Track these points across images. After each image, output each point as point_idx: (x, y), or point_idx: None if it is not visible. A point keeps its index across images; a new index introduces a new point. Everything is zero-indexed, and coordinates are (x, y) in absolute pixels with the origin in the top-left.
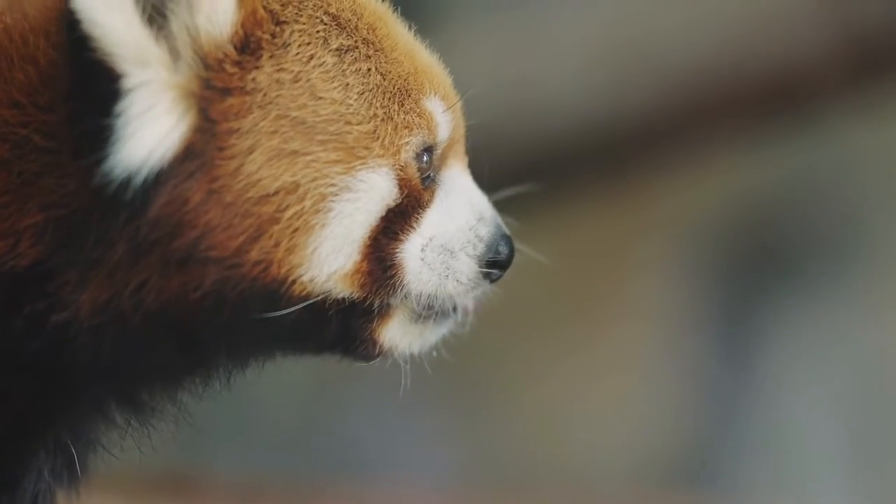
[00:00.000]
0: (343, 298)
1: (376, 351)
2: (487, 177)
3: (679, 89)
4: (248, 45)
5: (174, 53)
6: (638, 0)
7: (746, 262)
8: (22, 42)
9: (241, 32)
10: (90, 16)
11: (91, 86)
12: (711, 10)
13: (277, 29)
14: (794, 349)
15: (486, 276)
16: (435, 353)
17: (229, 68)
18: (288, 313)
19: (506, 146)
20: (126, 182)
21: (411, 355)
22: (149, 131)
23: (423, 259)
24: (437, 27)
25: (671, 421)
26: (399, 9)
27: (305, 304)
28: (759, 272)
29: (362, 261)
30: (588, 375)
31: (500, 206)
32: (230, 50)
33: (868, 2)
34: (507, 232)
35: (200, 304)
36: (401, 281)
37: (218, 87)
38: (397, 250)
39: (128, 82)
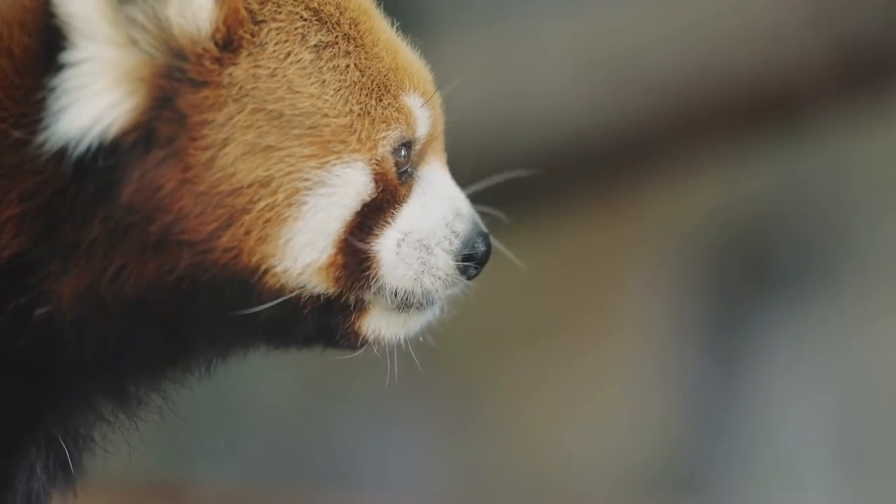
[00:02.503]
0: (318, 295)
1: (360, 342)
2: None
3: (668, 100)
4: (230, 44)
5: (133, 36)
6: (627, 11)
7: (735, 273)
8: None
9: (223, 30)
10: None
11: (50, 53)
12: (700, 21)
13: (256, 28)
14: (783, 359)
15: (463, 272)
16: (421, 339)
17: (209, 64)
18: (264, 309)
19: (493, 157)
20: (61, 154)
21: (397, 344)
22: (85, 106)
23: (398, 254)
24: (427, 38)
25: (661, 432)
26: (390, 19)
27: (281, 300)
28: (748, 283)
29: (337, 254)
30: (578, 387)
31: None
32: (211, 46)
33: (854, 13)
34: (484, 228)
35: (176, 288)
36: (375, 275)
37: (194, 79)
38: (372, 244)
39: (70, 56)
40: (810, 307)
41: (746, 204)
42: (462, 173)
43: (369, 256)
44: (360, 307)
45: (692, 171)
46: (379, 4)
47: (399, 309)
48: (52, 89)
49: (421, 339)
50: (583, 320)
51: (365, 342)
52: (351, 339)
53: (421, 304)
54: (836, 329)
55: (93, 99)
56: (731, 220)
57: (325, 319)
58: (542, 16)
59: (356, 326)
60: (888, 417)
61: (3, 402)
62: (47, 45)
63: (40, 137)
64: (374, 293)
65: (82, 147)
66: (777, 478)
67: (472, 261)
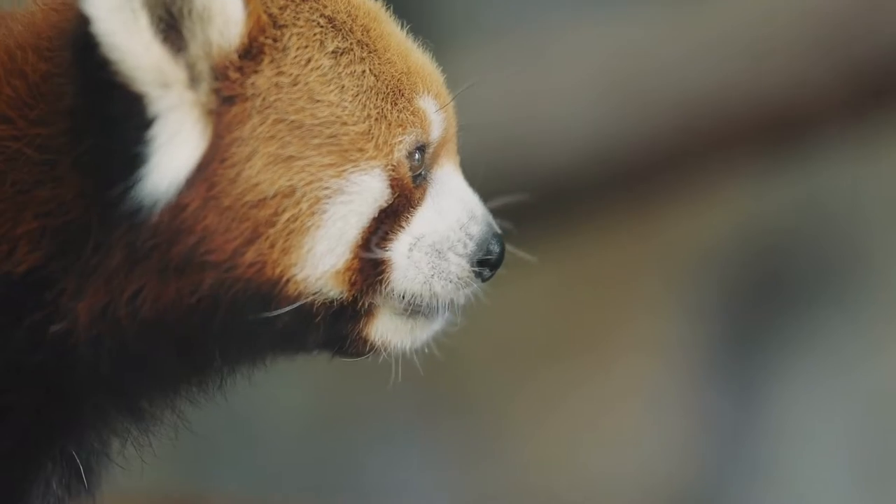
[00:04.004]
0: (332, 299)
1: (367, 348)
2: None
3: (683, 120)
4: (250, 51)
5: (192, 71)
6: (642, 32)
7: (752, 293)
8: (8, 57)
9: (245, 41)
10: (110, 40)
11: (107, 107)
12: (715, 42)
13: (278, 33)
14: (801, 380)
15: (478, 274)
16: (426, 350)
17: (232, 74)
18: (279, 315)
19: (510, 178)
20: (153, 205)
21: (402, 352)
22: (176, 155)
23: (409, 258)
24: (440, 54)
25: (679, 451)
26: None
27: (297, 305)
28: (765, 303)
29: (353, 259)
30: (595, 406)
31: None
32: (234, 57)
33: (872, 32)
34: (498, 230)
35: (196, 307)
36: (387, 279)
37: (226, 96)
38: (387, 249)
39: (155, 107)
40: (828, 326)
41: (763, 224)
42: (473, 189)
43: (383, 261)
44: (370, 311)
45: (709, 190)
46: (388, 9)
47: (407, 314)
48: (147, 143)
49: (426, 350)
50: (600, 339)
51: (372, 348)
52: (358, 345)
53: (429, 310)
54: (854, 348)
55: (182, 146)
56: (748, 240)
57: (336, 324)
58: (557, 34)
59: (364, 332)
60: None
61: (19, 418)
62: (91, 97)
63: (135, 192)
64: (384, 297)
65: (170, 195)
66: (794, 498)
67: (486, 262)
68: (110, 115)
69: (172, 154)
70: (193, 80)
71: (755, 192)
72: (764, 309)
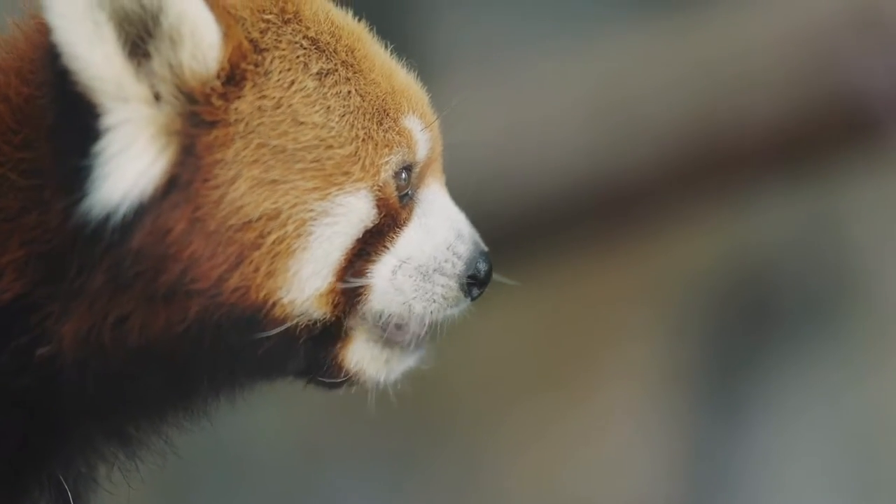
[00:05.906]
0: (316, 321)
1: (342, 374)
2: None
3: (670, 147)
4: (232, 77)
5: (155, 90)
6: (630, 60)
7: (737, 322)
8: None
9: (227, 67)
10: (70, 49)
11: (72, 121)
12: (703, 70)
13: (259, 58)
14: (786, 407)
15: (468, 293)
16: (399, 386)
17: (216, 101)
18: (264, 338)
19: (496, 206)
20: (104, 221)
21: (376, 383)
22: (126, 170)
23: (392, 281)
24: (427, 86)
25: (665, 479)
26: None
27: (283, 328)
28: (751, 332)
29: (337, 281)
30: (582, 434)
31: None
32: (216, 84)
33: (853, 60)
34: (485, 248)
35: (184, 335)
36: (366, 299)
37: (206, 120)
38: (368, 270)
39: (107, 120)
40: (813, 356)
41: (749, 253)
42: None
43: (363, 286)
44: (347, 335)
45: (695, 220)
46: (371, 29)
47: (383, 342)
48: (95, 156)
49: (399, 386)
50: (586, 366)
51: (347, 375)
52: (334, 371)
53: (406, 340)
54: (839, 375)
55: (132, 161)
56: (733, 269)
57: (316, 347)
58: (543, 61)
59: (340, 356)
60: (892, 464)
61: (6, 443)
62: (64, 114)
63: (83, 205)
64: (361, 316)
65: (122, 210)
66: None
67: (474, 281)
68: (76, 131)
69: (121, 169)
70: (156, 98)
71: (742, 219)
72: (749, 336)
